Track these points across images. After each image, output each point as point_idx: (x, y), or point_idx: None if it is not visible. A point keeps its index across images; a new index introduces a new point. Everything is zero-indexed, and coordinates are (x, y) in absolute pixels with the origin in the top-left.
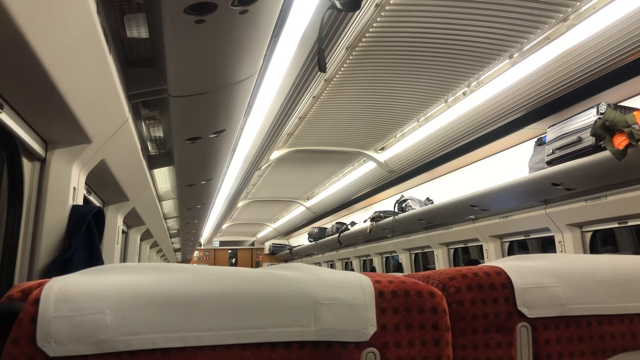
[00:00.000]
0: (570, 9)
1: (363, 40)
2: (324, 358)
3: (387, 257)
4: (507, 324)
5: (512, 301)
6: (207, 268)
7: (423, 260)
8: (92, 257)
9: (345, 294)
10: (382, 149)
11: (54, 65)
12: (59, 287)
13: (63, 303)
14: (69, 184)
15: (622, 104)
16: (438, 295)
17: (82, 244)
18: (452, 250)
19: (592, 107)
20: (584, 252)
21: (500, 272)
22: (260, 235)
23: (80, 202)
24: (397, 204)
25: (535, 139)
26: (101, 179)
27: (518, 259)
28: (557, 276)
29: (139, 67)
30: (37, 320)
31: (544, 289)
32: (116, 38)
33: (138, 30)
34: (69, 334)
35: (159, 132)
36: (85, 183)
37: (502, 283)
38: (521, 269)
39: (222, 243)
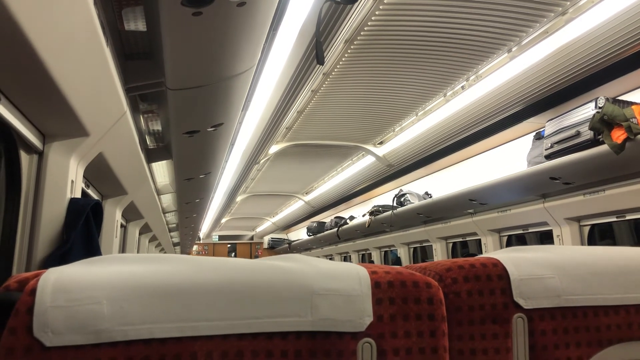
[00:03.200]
0: (568, 3)
1: (361, 33)
2: (321, 348)
3: (385, 251)
4: (504, 315)
5: (509, 292)
6: (204, 259)
7: (422, 254)
8: (90, 250)
9: (342, 284)
10: (381, 143)
11: (52, 57)
12: (55, 277)
13: (60, 293)
14: (67, 177)
15: (620, 97)
16: (434, 286)
17: (80, 236)
18: (450, 244)
19: (590, 101)
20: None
21: (496, 264)
22: (259, 229)
23: (78, 195)
24: (395, 198)
25: (534, 133)
26: (99, 172)
27: (515, 251)
28: (554, 267)
29: (137, 59)
30: (34, 310)
31: (540, 280)
32: (114, 30)
33: (135, 23)
34: (66, 324)
35: (157, 126)
36: (84, 176)
37: (498, 274)
38: (518, 261)
39: (221, 237)
